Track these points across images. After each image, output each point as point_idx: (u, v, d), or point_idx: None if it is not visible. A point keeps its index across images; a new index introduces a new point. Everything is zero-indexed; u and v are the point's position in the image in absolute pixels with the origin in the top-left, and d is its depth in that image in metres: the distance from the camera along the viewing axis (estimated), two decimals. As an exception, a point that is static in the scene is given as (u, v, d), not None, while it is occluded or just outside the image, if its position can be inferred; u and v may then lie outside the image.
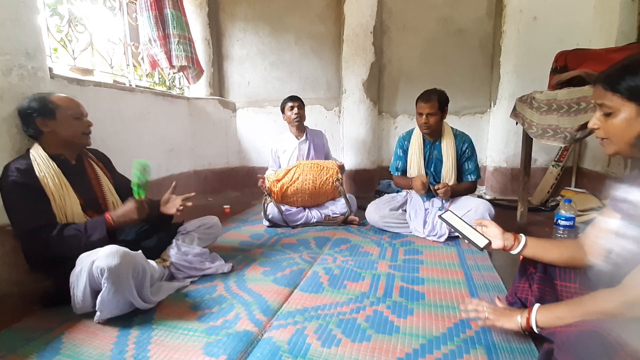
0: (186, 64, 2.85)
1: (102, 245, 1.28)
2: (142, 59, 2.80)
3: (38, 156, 1.36)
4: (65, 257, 1.32)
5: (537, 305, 0.97)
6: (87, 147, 1.53)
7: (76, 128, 1.44)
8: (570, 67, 1.90)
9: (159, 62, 2.77)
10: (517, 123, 2.34)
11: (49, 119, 1.38)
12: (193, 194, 1.64)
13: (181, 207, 1.56)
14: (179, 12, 2.80)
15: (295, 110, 2.64)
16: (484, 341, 1.09)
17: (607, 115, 0.86)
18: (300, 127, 2.71)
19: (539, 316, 0.94)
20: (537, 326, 0.94)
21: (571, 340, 0.72)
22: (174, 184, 1.65)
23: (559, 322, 0.86)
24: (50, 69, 1.74)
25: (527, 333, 1.00)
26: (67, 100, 1.44)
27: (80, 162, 1.52)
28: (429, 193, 2.20)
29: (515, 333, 1.04)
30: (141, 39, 2.75)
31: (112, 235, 1.36)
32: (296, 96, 2.70)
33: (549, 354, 0.85)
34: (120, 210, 1.39)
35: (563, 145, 2.07)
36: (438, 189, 2.12)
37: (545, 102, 1.87)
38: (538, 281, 1.09)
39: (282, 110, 2.73)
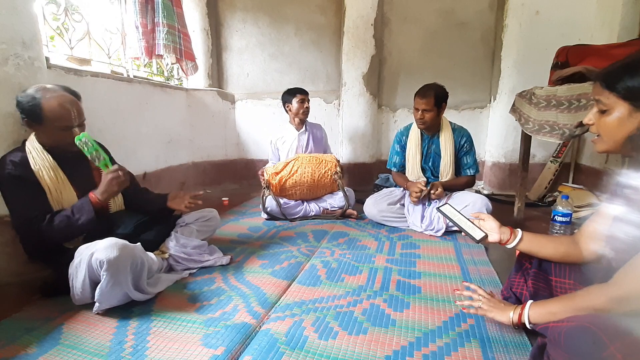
0: (174, 55, 2.81)
1: (93, 226, 1.30)
2: (133, 46, 2.74)
3: (33, 149, 1.34)
4: (62, 244, 1.33)
5: (530, 302, 0.98)
6: None
7: (61, 138, 1.35)
8: (572, 63, 1.90)
9: (134, 51, 2.70)
10: (516, 119, 2.33)
11: (35, 123, 1.32)
12: (201, 192, 1.68)
13: (191, 205, 1.59)
14: (170, 2, 2.74)
15: (306, 104, 2.62)
16: (478, 335, 1.11)
17: (603, 112, 0.87)
18: (305, 119, 2.70)
19: (531, 312, 0.95)
20: (529, 322, 0.95)
21: (563, 335, 0.74)
22: (183, 182, 1.67)
23: (551, 318, 0.88)
24: (47, 59, 1.71)
25: (517, 328, 1.01)
26: (57, 109, 1.31)
27: (80, 153, 1.46)
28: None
29: (510, 326, 1.06)
30: (127, 26, 2.69)
31: (101, 214, 1.35)
32: (304, 89, 2.66)
33: (542, 348, 0.87)
34: (100, 186, 1.35)
35: (559, 142, 2.08)
36: (433, 193, 2.13)
37: (545, 97, 1.87)
38: (533, 277, 1.10)
39: (288, 101, 2.65)
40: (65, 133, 1.34)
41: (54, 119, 1.31)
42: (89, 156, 1.37)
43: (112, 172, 1.36)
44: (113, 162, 1.46)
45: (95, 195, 1.34)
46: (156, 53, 2.73)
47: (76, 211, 1.30)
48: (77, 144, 1.34)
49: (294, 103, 2.62)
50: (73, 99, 1.37)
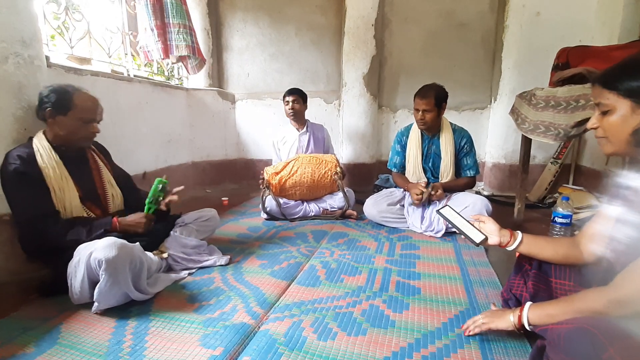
0: (187, 54, 2.82)
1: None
2: (141, 48, 2.77)
3: (41, 146, 1.36)
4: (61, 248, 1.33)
5: (529, 303, 0.98)
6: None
7: (79, 131, 1.41)
8: (572, 64, 1.89)
9: (151, 53, 2.71)
10: (514, 119, 2.33)
11: (60, 114, 1.37)
12: (182, 187, 1.64)
13: (167, 202, 1.55)
14: (179, 0, 2.76)
15: (290, 105, 2.64)
16: (478, 336, 1.10)
17: (604, 113, 0.87)
18: (298, 120, 2.71)
19: (530, 314, 0.95)
20: (529, 324, 0.95)
21: (562, 337, 0.73)
22: (144, 172, 1.65)
23: (550, 320, 0.88)
24: (47, 58, 1.71)
25: (521, 332, 1.01)
26: (87, 102, 1.42)
27: (83, 153, 1.52)
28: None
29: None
30: (139, 28, 2.71)
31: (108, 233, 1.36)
32: (295, 90, 2.68)
33: (541, 350, 0.87)
34: (129, 219, 1.43)
35: (552, 142, 2.07)
36: (433, 194, 2.12)
37: (544, 98, 1.87)
38: (533, 278, 1.10)
39: (283, 102, 2.73)
40: (85, 126, 1.42)
41: (82, 110, 1.39)
42: (152, 195, 1.48)
43: (148, 217, 1.47)
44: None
45: (119, 223, 1.40)
46: (172, 53, 2.74)
47: (94, 229, 1.34)
48: (159, 180, 1.49)
49: (284, 104, 2.69)
50: (97, 99, 1.49)
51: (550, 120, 1.74)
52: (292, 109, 2.64)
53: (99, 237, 1.29)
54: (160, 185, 1.51)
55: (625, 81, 0.81)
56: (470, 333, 1.09)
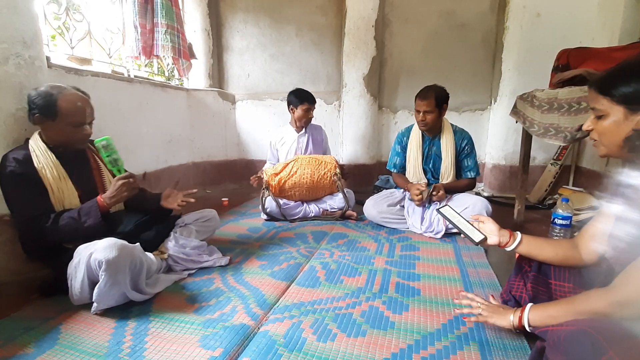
0: (172, 55, 2.82)
1: (99, 229, 1.29)
2: (130, 46, 2.75)
3: (37, 147, 1.35)
4: (64, 244, 1.34)
5: (530, 304, 0.98)
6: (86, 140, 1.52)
7: (71, 135, 1.38)
8: (572, 66, 1.89)
9: (130, 50, 2.71)
10: (516, 121, 2.33)
11: (48, 119, 1.34)
12: (195, 190, 1.63)
13: (183, 203, 1.56)
14: (170, 1, 2.76)
15: (310, 114, 2.61)
16: (477, 338, 1.10)
17: (599, 117, 0.89)
18: (304, 124, 2.68)
19: (531, 315, 0.95)
20: (529, 325, 0.95)
21: (562, 339, 0.73)
22: (177, 180, 1.67)
23: (551, 321, 0.88)
24: (48, 58, 1.72)
25: (518, 331, 1.01)
26: (74, 106, 1.35)
27: (83, 153, 1.51)
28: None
29: (509, 330, 1.05)
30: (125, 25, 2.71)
31: (107, 218, 1.34)
32: (312, 97, 2.61)
33: (541, 351, 0.87)
34: (110, 191, 1.36)
35: (563, 145, 2.07)
36: (435, 195, 2.12)
37: (547, 100, 1.86)
38: (532, 280, 1.10)
39: (293, 104, 2.62)
40: (76, 129, 1.38)
41: (68, 115, 1.34)
42: (106, 159, 1.40)
43: (124, 177, 1.36)
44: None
45: (103, 199, 1.34)
46: (154, 53, 2.74)
47: (83, 214, 1.31)
48: (98, 146, 1.38)
49: (299, 109, 2.58)
50: (86, 98, 1.42)
51: (556, 122, 1.74)
52: (310, 118, 2.62)
53: (97, 223, 1.29)
54: (102, 147, 1.38)
55: (619, 87, 0.82)
56: (468, 320, 1.10)
